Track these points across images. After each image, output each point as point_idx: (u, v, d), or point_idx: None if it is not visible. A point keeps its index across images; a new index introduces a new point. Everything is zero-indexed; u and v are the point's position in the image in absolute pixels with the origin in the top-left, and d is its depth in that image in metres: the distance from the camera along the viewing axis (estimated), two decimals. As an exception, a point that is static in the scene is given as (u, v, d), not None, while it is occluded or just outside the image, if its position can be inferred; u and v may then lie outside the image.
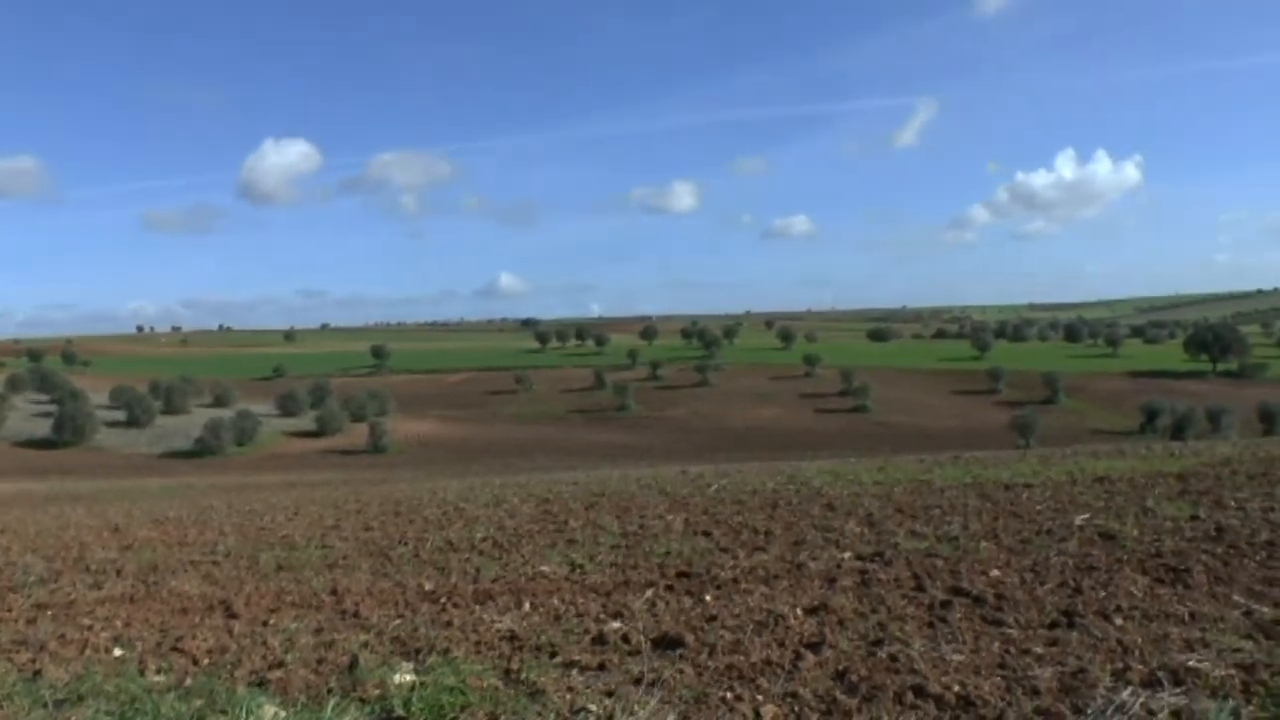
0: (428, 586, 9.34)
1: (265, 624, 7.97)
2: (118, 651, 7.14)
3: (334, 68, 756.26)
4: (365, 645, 6.85)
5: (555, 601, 8.11)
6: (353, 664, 6.19)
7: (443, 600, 8.58)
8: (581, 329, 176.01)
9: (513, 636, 6.90)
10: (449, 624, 7.47)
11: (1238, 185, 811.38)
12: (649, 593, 8.22)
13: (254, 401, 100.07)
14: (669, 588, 8.43)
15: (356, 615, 8.09)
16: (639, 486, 19.01)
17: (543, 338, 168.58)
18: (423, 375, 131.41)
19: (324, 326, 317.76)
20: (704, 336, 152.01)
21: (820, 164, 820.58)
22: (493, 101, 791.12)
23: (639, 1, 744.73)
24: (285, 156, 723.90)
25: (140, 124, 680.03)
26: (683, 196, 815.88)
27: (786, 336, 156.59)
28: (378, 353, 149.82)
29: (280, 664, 6.43)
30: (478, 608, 8.13)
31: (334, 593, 9.31)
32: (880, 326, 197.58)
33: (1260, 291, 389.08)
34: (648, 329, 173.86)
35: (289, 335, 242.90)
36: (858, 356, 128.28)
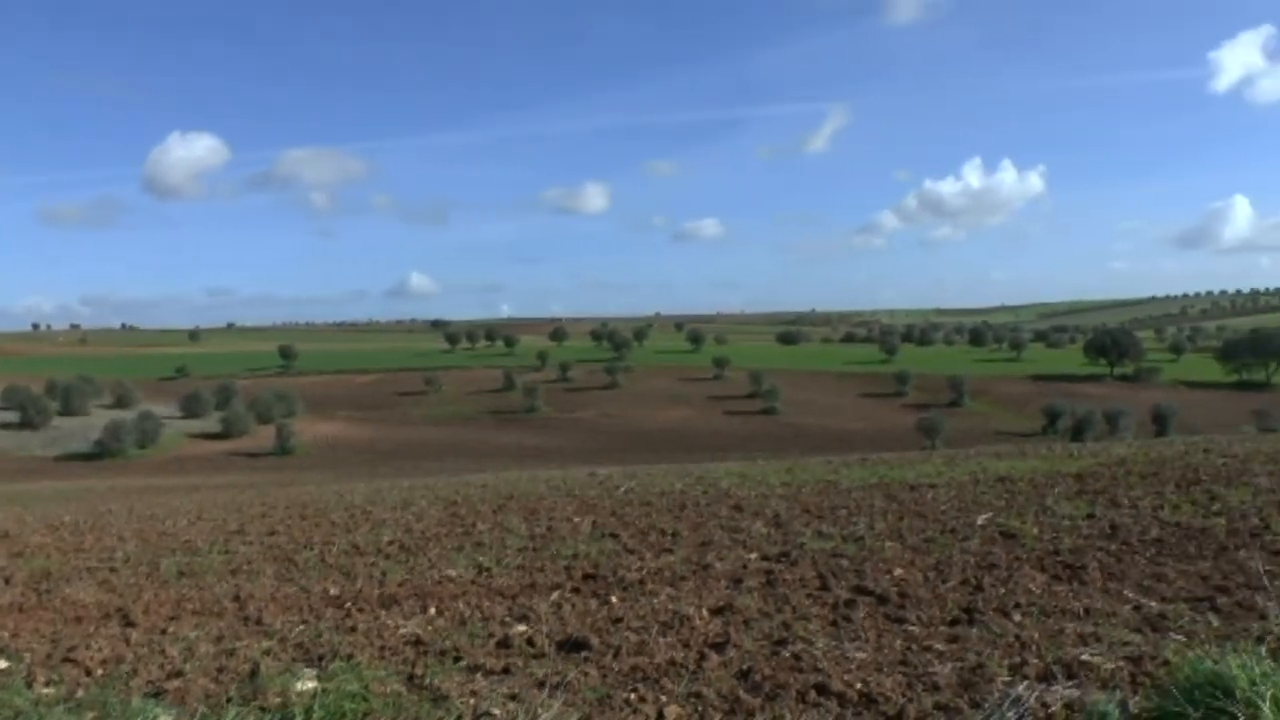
0: (333, 591, 9.24)
1: (164, 632, 7.82)
2: (3, 664, 6.92)
3: (243, 60, 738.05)
4: (267, 652, 6.77)
5: (461, 605, 8.09)
6: (254, 672, 6.10)
7: (348, 605, 8.50)
8: (491, 330, 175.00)
9: (417, 641, 6.88)
10: (353, 629, 7.42)
11: (1134, 196, 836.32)
12: (555, 595, 8.24)
13: (157, 402, 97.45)
14: (575, 590, 8.46)
15: (259, 622, 7.98)
16: (547, 488, 18.98)
17: (452, 339, 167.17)
18: (331, 376, 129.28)
19: (230, 326, 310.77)
20: (613, 338, 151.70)
21: (732, 168, 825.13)
22: (405, 100, 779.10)
23: (553, 3, 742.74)
24: (192, 150, 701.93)
25: (39, 114, 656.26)
26: (594, 198, 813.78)
27: (696, 339, 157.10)
28: (285, 353, 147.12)
29: (179, 673, 6.31)
30: (383, 612, 8.08)
31: (237, 599, 9.17)
32: (789, 329, 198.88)
33: (1154, 298, 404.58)
34: (557, 330, 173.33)
35: (194, 334, 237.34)
36: (767, 359, 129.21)
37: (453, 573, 9.79)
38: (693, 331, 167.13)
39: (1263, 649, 4.62)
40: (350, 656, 6.47)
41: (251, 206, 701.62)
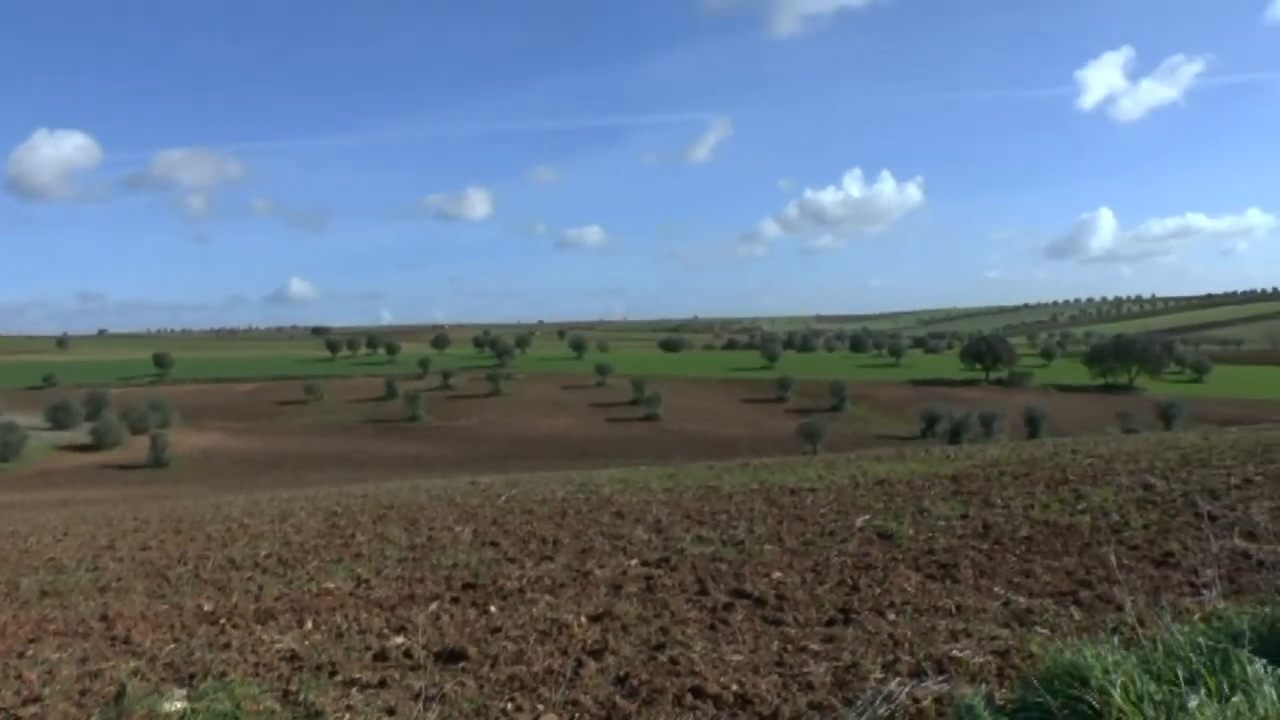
0: (207, 607, 9.02)
1: (21, 655, 7.50)
2: None
3: (116, 56, 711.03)
4: (135, 673, 6.57)
5: (338, 618, 7.97)
6: (120, 694, 5.91)
7: (222, 621, 8.31)
8: (373, 337, 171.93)
9: (293, 656, 6.75)
10: (227, 646, 7.25)
11: (1006, 208, 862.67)
12: (434, 606, 8.17)
13: (21, 413, 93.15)
14: (454, 600, 8.41)
15: (128, 641, 7.74)
16: (428, 498, 18.79)
17: (333, 346, 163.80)
18: (208, 385, 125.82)
19: (102, 333, 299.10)
20: (496, 346, 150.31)
21: (615, 176, 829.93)
22: (286, 101, 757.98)
23: (437, 6, 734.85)
24: (60, 149, 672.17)
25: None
26: (477, 204, 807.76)
27: (579, 346, 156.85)
28: (160, 361, 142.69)
29: (36, 698, 6.07)
30: (258, 628, 7.91)
31: (104, 618, 8.87)
32: (672, 337, 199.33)
33: (1026, 306, 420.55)
34: (439, 338, 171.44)
35: (62, 341, 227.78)
36: (649, 366, 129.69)
37: (331, 585, 9.64)
38: (575, 339, 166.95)
39: (1116, 639, 4.82)
40: (223, 674, 6.32)
41: (125, 209, 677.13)
